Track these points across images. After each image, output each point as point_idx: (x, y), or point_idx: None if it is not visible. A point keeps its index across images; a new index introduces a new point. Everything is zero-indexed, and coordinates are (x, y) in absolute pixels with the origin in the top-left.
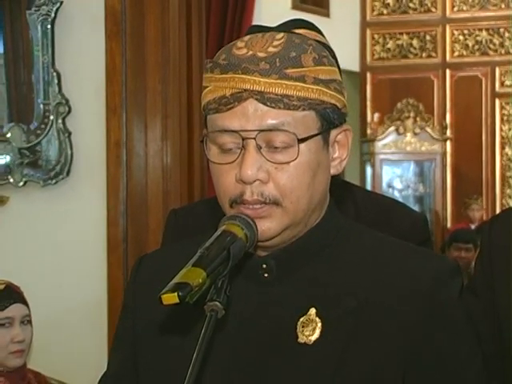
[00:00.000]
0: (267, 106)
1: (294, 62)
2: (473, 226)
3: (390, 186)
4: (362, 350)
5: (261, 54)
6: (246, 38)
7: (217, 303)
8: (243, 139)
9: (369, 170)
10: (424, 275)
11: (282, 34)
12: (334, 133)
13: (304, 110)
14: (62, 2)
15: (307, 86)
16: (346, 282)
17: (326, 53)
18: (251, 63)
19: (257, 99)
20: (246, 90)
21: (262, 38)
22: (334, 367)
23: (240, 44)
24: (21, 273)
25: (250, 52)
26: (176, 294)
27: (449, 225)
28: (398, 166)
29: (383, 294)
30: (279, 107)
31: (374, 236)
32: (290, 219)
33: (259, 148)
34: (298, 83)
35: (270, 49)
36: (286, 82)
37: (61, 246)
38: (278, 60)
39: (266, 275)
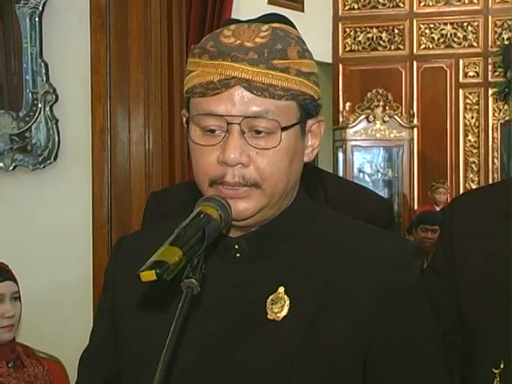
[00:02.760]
0: (253, 93)
1: (281, 53)
2: (438, 208)
3: (360, 170)
4: (328, 326)
5: (249, 44)
6: (232, 26)
7: (192, 280)
8: (228, 124)
9: (341, 156)
10: (386, 256)
11: (267, 26)
12: (309, 123)
13: (287, 99)
14: None
15: (291, 77)
16: (314, 262)
17: (306, 47)
18: (240, 52)
19: (244, 87)
20: (234, 78)
21: (249, 28)
22: (300, 342)
23: (227, 33)
24: (11, 252)
25: (238, 41)
26: (154, 271)
27: (415, 207)
28: (368, 152)
29: (349, 274)
30: (264, 96)
31: (341, 219)
32: (267, 201)
33: (243, 133)
34: (282, 74)
35: (258, 39)
36: (273, 73)
37: (49, 227)
38: (266, 51)
39: (238, 255)
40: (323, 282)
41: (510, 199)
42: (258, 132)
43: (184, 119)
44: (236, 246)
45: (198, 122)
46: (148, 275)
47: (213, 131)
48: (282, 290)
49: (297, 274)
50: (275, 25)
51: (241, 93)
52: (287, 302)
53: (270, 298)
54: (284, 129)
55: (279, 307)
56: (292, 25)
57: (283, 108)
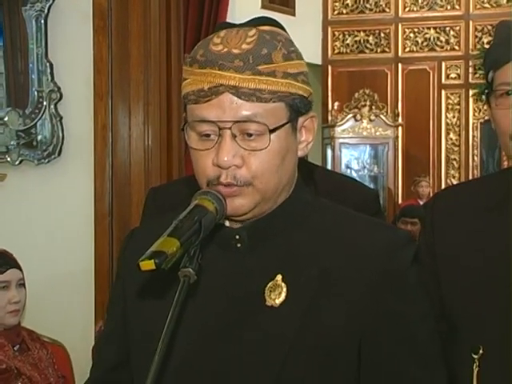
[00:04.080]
0: (241, 99)
1: (266, 59)
2: (421, 202)
3: (348, 166)
4: (323, 312)
5: (235, 51)
6: (222, 33)
7: (189, 269)
8: (220, 129)
9: (329, 153)
10: (379, 245)
11: (254, 31)
12: (301, 119)
13: (274, 102)
14: (54, 0)
15: (277, 80)
16: (311, 252)
17: (295, 47)
18: (226, 60)
19: (232, 93)
20: (222, 85)
21: (237, 34)
22: (296, 327)
23: (216, 40)
24: (16, 241)
25: (226, 49)
26: (152, 261)
27: (400, 201)
28: (355, 149)
29: (344, 262)
30: (252, 100)
31: (337, 210)
32: (261, 197)
33: (234, 136)
34: (269, 78)
35: (244, 46)
36: (259, 78)
37: (53, 219)
38: (251, 57)
39: (238, 245)
40: (319, 271)
41: (489, 195)
42: (249, 134)
43: (181, 125)
44: (237, 237)
45: (194, 127)
46: (147, 264)
47: (208, 135)
48: (279, 277)
49: (294, 263)
50: (264, 28)
51: (229, 99)
52: (284, 289)
53: (269, 285)
54: (272, 130)
55: (277, 294)
56: (281, 27)
57: (271, 110)
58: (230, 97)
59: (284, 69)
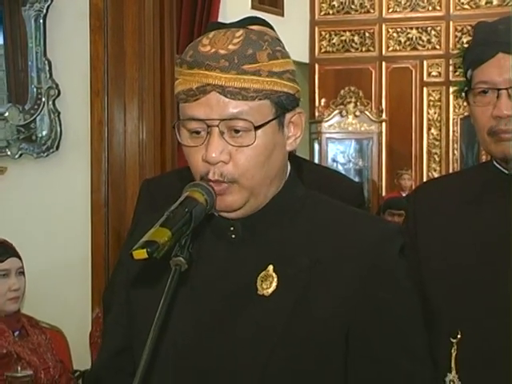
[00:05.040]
0: (228, 97)
1: (250, 58)
2: (404, 194)
3: (334, 160)
4: (313, 302)
5: (222, 52)
6: (211, 34)
7: (180, 258)
8: (208, 126)
9: (316, 147)
10: (370, 236)
11: (241, 32)
12: (288, 116)
13: (260, 99)
14: (52, 0)
15: (262, 78)
16: (302, 243)
17: (281, 46)
18: (213, 60)
19: (219, 92)
20: (209, 84)
21: (224, 35)
22: (287, 315)
23: (205, 41)
24: (16, 231)
25: (213, 49)
26: (145, 250)
27: (383, 193)
28: (341, 144)
29: (334, 254)
30: (238, 99)
31: (328, 203)
32: (249, 193)
33: (222, 133)
34: (253, 77)
35: (230, 46)
36: (244, 77)
37: (51, 209)
38: (236, 58)
39: (233, 236)
40: (309, 262)
41: (469, 187)
42: (236, 131)
43: (172, 124)
44: (231, 228)
45: (184, 125)
46: (140, 254)
47: (198, 132)
48: (271, 268)
49: (285, 254)
50: (254, 27)
51: (217, 98)
52: (275, 279)
53: (260, 275)
54: (258, 127)
55: (268, 283)
56: (270, 26)
57: (257, 107)
58: (217, 96)
59: (269, 68)
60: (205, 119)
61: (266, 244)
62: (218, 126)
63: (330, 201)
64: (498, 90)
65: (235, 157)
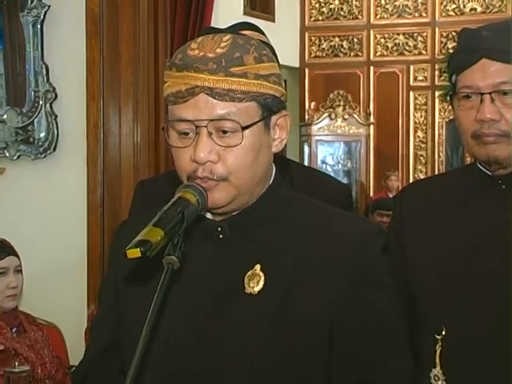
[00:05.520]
0: (216, 99)
1: (238, 61)
2: (391, 195)
3: (323, 162)
4: (298, 300)
5: (210, 55)
6: (199, 39)
7: (173, 257)
8: (196, 127)
9: (306, 149)
10: (353, 236)
11: (228, 36)
12: (274, 118)
13: (247, 101)
14: (49, 6)
15: (249, 81)
16: (288, 243)
17: (267, 51)
18: (201, 63)
19: (207, 93)
20: (197, 86)
21: (212, 39)
22: (273, 313)
23: (193, 45)
24: (14, 231)
25: (201, 53)
26: (138, 249)
27: (371, 194)
28: (330, 146)
29: (318, 253)
30: (226, 100)
31: (312, 204)
32: (236, 191)
33: (210, 134)
34: (241, 79)
35: (218, 50)
36: (231, 79)
37: (48, 210)
38: (223, 60)
39: (220, 236)
40: (295, 261)
41: (453, 188)
42: (224, 132)
43: (162, 125)
44: (219, 229)
45: (173, 126)
46: (133, 252)
47: (186, 133)
48: (258, 267)
49: (271, 253)
50: (246, 32)
51: (205, 99)
52: (262, 278)
53: (248, 273)
54: (245, 128)
55: (255, 282)
56: (261, 31)
57: (244, 109)
58: (206, 97)
59: (256, 70)
60: (193, 120)
61: (253, 244)
62: (206, 126)
63: (314, 202)
64: (482, 94)
65: (223, 157)
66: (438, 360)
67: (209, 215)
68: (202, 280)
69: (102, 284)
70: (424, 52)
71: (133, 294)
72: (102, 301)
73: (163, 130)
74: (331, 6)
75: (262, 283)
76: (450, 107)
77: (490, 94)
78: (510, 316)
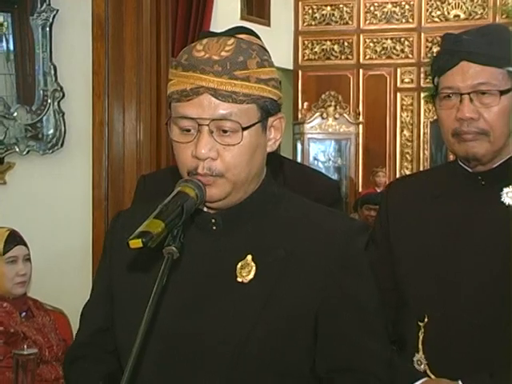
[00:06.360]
0: (219, 100)
1: (241, 65)
2: (378, 190)
3: (315, 159)
4: (287, 290)
5: (215, 58)
6: (204, 41)
7: (173, 248)
8: (199, 125)
9: (299, 147)
10: (338, 232)
11: (232, 40)
12: (271, 119)
13: (248, 103)
14: (58, 10)
15: (251, 84)
16: (277, 236)
17: (267, 55)
18: (207, 65)
19: (211, 94)
20: (202, 87)
21: (217, 42)
22: (263, 301)
23: (199, 47)
24: (24, 222)
25: (207, 55)
26: (140, 239)
27: (360, 189)
28: (322, 144)
29: (306, 246)
30: (228, 101)
31: (300, 201)
32: (232, 187)
33: (211, 132)
34: (243, 82)
35: (223, 53)
36: (235, 82)
37: (56, 203)
38: (228, 64)
39: (214, 228)
40: (285, 253)
41: (436, 184)
42: (225, 131)
43: (166, 120)
44: (213, 221)
45: (176, 123)
46: (135, 243)
47: (188, 130)
48: (249, 257)
49: (262, 245)
50: (242, 36)
51: (208, 99)
52: (253, 268)
53: (240, 263)
54: (245, 128)
55: (247, 271)
56: (256, 35)
57: (245, 110)
58: (209, 97)
59: (257, 75)
60: (196, 118)
61: (245, 235)
62: (208, 125)
63: (302, 199)
64: (461, 94)
65: (223, 154)
66: (420, 345)
67: (204, 208)
68: (196, 268)
69: (97, 271)
70: (410, 56)
71: (131, 282)
72: (95, 286)
73: (166, 125)
74: (323, 12)
75: (253, 273)
76: (434, 108)
77: (468, 94)
78: (488, 303)
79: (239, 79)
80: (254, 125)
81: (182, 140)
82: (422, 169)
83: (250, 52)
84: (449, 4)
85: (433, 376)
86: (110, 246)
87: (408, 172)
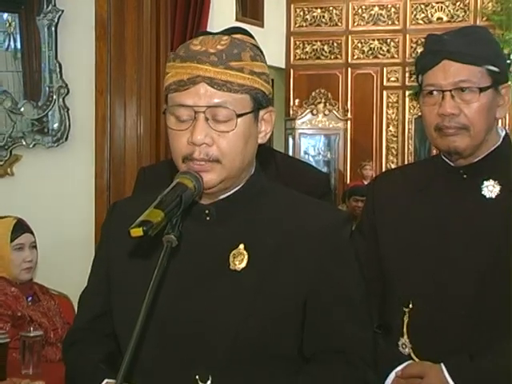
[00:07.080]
0: (214, 88)
1: (236, 57)
2: (365, 182)
3: (306, 153)
4: (278, 278)
5: (211, 50)
6: (200, 38)
7: (172, 236)
8: (195, 112)
9: (291, 141)
10: (325, 222)
11: (227, 37)
12: (262, 112)
13: (242, 93)
14: (63, 11)
15: (245, 75)
16: (268, 226)
17: (259, 53)
18: (204, 56)
19: (207, 83)
20: (199, 76)
21: (212, 38)
22: (255, 288)
23: (195, 42)
24: (30, 211)
25: (204, 48)
26: (141, 228)
27: (348, 181)
28: (312, 139)
29: (295, 236)
30: (223, 90)
31: (288, 192)
32: (227, 173)
33: (207, 119)
34: (238, 73)
35: (219, 46)
36: (230, 72)
37: (60, 193)
38: (224, 55)
39: (208, 218)
40: (275, 242)
41: (420, 177)
42: (219, 120)
43: (163, 112)
44: (206, 211)
45: (173, 111)
46: (136, 231)
47: (184, 119)
48: (242, 246)
49: (254, 234)
50: (237, 36)
51: (205, 88)
52: (246, 257)
53: (233, 252)
54: (239, 116)
55: (239, 260)
56: (250, 35)
57: (239, 99)
58: (205, 86)
59: (251, 67)
60: (193, 106)
61: (237, 225)
62: (204, 112)
63: (291, 191)
64: (443, 91)
65: (218, 141)
66: (405, 330)
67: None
68: (191, 257)
69: (94, 259)
70: (396, 56)
71: (130, 269)
72: (92, 274)
73: (164, 113)
74: (314, 14)
75: (245, 261)
76: (418, 105)
77: (450, 91)
78: (471, 292)
79: (234, 69)
80: (247, 113)
81: (178, 127)
82: (406, 162)
83: (244, 46)
84: (432, 7)
85: (417, 359)
86: (107, 236)
87: (393, 165)
